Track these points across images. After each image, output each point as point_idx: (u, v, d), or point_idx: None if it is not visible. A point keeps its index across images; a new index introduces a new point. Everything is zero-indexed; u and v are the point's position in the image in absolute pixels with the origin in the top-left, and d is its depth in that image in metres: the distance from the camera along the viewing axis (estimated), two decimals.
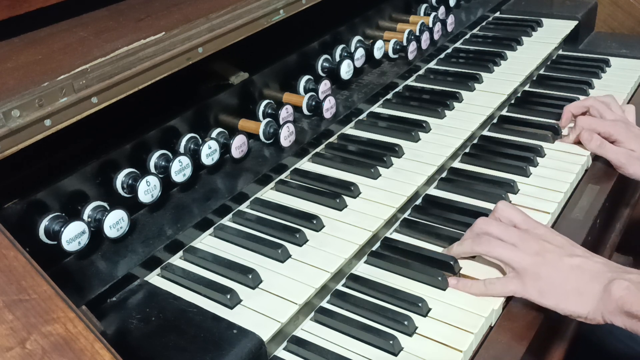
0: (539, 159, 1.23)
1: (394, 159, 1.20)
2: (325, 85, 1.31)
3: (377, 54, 1.44)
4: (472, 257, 1.00)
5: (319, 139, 1.26)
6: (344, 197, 1.09)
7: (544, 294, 0.89)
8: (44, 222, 0.88)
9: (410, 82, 1.53)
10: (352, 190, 1.10)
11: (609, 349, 1.23)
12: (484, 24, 1.82)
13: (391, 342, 0.84)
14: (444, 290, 0.94)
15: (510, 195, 1.13)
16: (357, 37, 1.46)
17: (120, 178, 0.97)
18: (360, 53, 1.39)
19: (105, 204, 0.94)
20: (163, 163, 1.03)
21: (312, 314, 0.93)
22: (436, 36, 1.60)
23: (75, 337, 0.60)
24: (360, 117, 1.37)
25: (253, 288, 0.92)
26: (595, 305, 0.86)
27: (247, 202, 1.10)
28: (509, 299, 0.94)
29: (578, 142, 1.27)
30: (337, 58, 1.39)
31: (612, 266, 0.89)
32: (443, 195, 1.16)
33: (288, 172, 1.19)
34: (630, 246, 1.60)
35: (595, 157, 1.26)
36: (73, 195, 0.92)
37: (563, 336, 1.00)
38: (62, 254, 0.89)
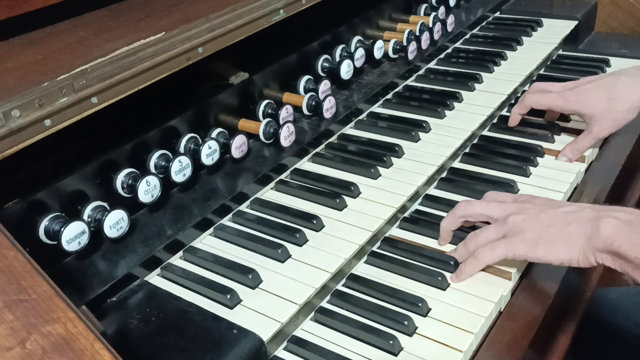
0: (539, 159, 1.23)
1: (394, 159, 1.20)
2: (325, 85, 1.31)
3: (377, 54, 1.44)
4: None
5: (319, 139, 1.26)
6: (344, 197, 1.09)
7: (531, 246, 0.89)
8: (44, 222, 0.88)
9: (410, 82, 1.53)
10: (352, 190, 1.10)
11: (609, 349, 1.23)
12: (484, 24, 1.82)
13: (391, 342, 0.84)
14: (444, 290, 0.94)
15: None
16: (357, 37, 1.46)
17: (120, 178, 0.97)
18: (360, 53, 1.39)
19: (105, 204, 0.94)
20: (163, 163, 1.03)
21: (312, 314, 0.93)
22: (436, 36, 1.60)
23: (75, 337, 0.60)
24: (360, 117, 1.37)
25: (253, 288, 0.92)
26: (585, 245, 0.85)
27: (247, 202, 1.10)
28: (509, 300, 0.94)
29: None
30: (337, 58, 1.39)
31: (599, 207, 0.89)
32: (443, 195, 1.16)
33: (288, 172, 1.19)
34: None
35: (595, 158, 1.26)
36: (73, 195, 0.92)
37: (563, 336, 1.00)
38: (62, 254, 0.89)
